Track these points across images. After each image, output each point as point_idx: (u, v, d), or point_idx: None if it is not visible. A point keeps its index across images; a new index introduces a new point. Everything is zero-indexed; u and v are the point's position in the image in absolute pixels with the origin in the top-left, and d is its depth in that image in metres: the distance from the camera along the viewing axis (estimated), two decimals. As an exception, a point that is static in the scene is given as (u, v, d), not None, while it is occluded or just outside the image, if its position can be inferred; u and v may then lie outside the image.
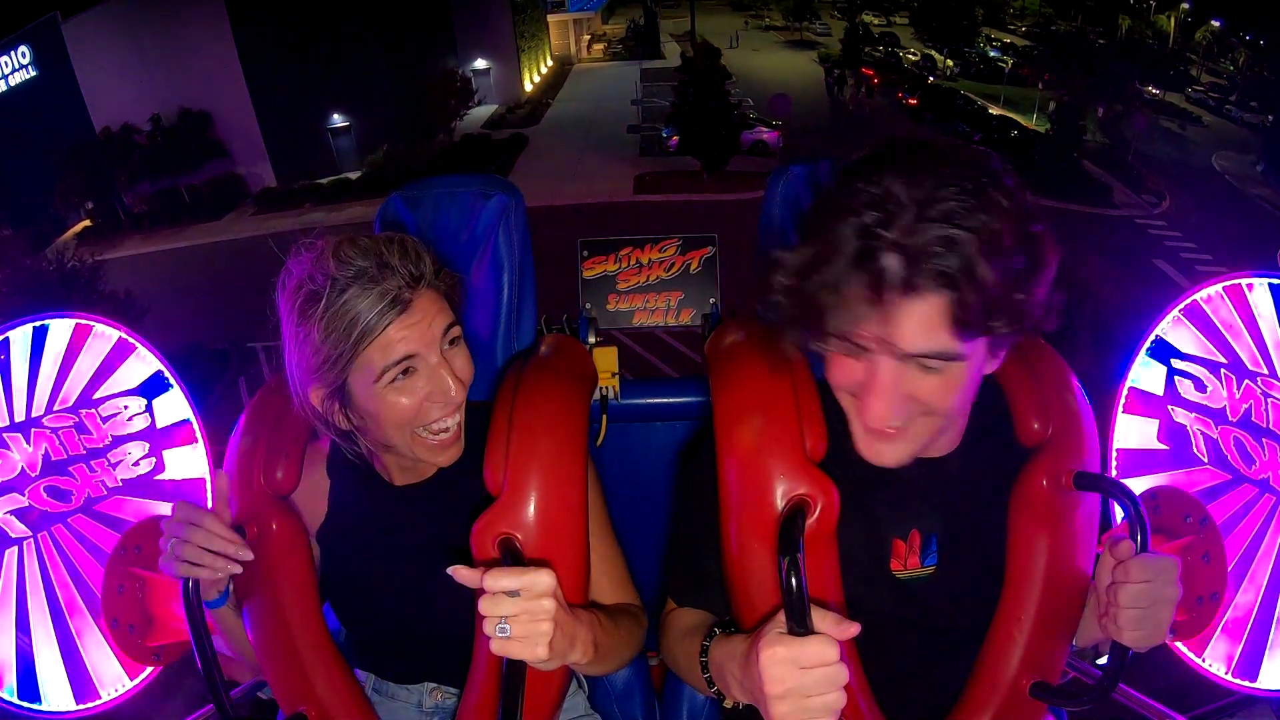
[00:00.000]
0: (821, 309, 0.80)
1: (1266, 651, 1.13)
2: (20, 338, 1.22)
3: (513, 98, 27.85)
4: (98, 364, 1.23)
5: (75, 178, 18.67)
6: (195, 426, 1.25)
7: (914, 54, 31.54)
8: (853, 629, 0.78)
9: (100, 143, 19.63)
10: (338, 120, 22.28)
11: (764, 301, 0.86)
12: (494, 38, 27.49)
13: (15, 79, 19.66)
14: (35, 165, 18.10)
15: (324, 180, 20.90)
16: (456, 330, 1.00)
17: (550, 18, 33.36)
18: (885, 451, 0.90)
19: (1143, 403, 1.21)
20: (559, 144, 23.53)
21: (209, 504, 1.20)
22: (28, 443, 1.20)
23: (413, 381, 0.96)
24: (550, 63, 33.34)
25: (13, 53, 19.52)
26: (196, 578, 0.97)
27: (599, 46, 36.91)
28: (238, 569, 1.00)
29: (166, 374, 1.25)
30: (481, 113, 25.74)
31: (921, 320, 0.77)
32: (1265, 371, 1.14)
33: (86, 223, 19.39)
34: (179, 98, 20.17)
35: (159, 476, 1.25)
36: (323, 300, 0.91)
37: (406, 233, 1.00)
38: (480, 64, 27.17)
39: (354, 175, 21.11)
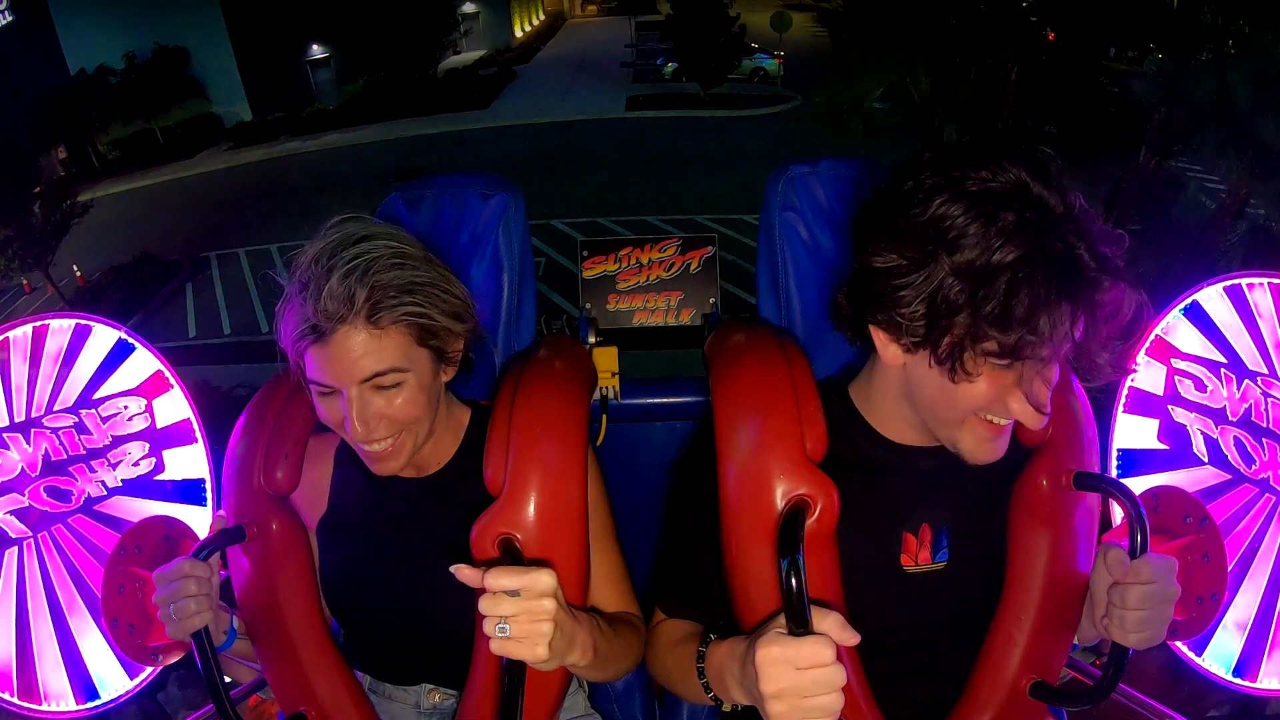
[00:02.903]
0: (1008, 322, 0.75)
1: (1266, 651, 1.13)
2: (20, 338, 1.22)
3: (501, 43, 27.13)
4: (98, 364, 1.23)
5: (48, 125, 18.13)
6: (195, 426, 1.25)
7: (919, 11, 31.69)
8: (854, 638, 0.77)
9: (74, 85, 19.06)
10: (317, 52, 21.65)
11: (914, 322, 0.81)
12: (484, -20, 26.86)
13: (-9, 24, 18.57)
14: (12, 114, 17.33)
15: (301, 112, 20.48)
16: (393, 379, 0.94)
17: (545, -30, 33.19)
18: (999, 448, 0.90)
19: (1143, 403, 1.21)
20: (549, 77, 23.20)
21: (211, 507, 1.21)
22: (28, 443, 1.20)
23: (333, 400, 0.95)
24: (542, 16, 33.03)
25: (-10, -1, 18.59)
26: (197, 629, 0.97)
27: (592, 8, 36.80)
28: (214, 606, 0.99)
29: (167, 374, 1.25)
30: (468, 56, 25.24)
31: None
32: (1265, 371, 1.14)
33: (61, 173, 18.73)
34: (155, 35, 19.75)
35: (159, 476, 1.25)
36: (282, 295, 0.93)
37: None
38: (469, 8, 26.58)
39: (332, 107, 20.76)
